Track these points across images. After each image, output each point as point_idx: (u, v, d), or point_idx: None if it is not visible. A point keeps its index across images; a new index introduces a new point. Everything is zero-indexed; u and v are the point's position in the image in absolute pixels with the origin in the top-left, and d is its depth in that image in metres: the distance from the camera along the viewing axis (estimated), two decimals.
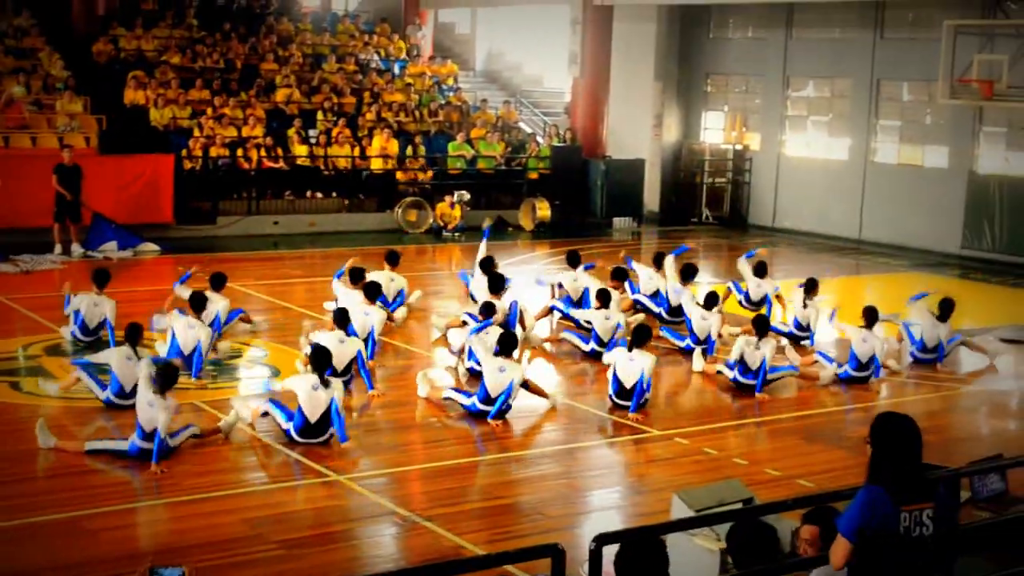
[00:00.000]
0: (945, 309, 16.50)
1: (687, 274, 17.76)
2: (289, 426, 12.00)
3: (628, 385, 13.53)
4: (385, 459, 11.93)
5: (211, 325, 15.11)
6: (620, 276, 18.08)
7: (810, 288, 17.31)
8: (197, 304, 14.71)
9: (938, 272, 24.05)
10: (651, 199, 30.85)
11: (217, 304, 15.70)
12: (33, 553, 9.30)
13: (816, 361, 15.78)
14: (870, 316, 15.51)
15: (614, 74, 31.00)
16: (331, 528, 10.08)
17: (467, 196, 27.44)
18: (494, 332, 14.07)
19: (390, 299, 17.35)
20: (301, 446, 11.85)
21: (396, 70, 33.20)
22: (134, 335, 12.97)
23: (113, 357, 12.82)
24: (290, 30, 33.59)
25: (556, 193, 28.80)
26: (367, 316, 15.28)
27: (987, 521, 8.94)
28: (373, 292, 15.62)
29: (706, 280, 22.16)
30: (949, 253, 25.81)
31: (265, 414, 12.39)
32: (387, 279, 17.45)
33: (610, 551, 5.88)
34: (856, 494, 6.18)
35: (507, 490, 11.20)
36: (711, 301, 16.54)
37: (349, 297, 15.94)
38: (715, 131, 31.94)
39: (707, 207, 31.10)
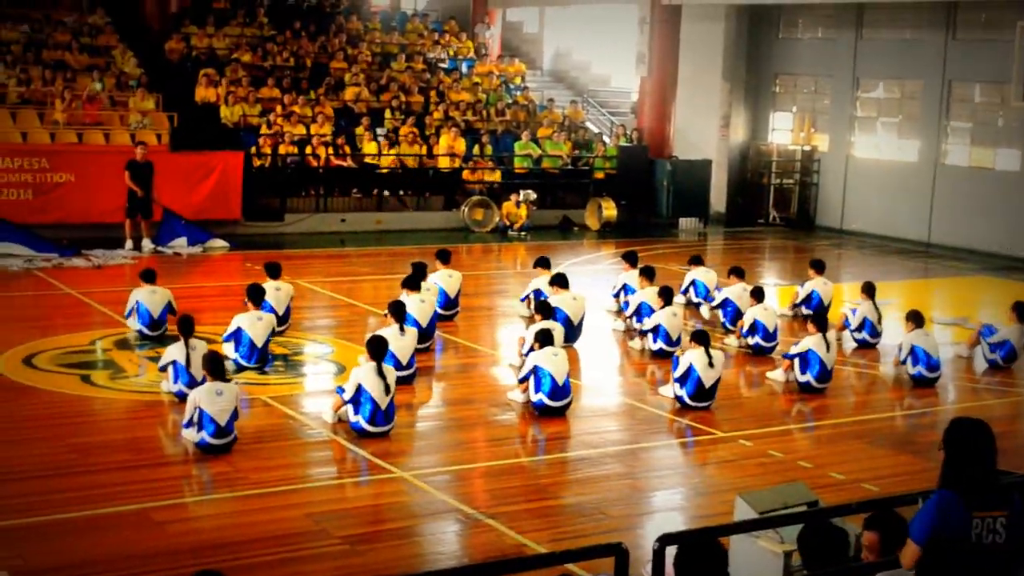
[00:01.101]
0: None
1: (739, 273, 17.87)
2: (358, 419, 12.09)
3: (708, 385, 13.53)
4: (449, 456, 11.97)
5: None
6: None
7: (870, 291, 17.27)
8: (256, 296, 14.86)
9: (1008, 277, 23.74)
10: (718, 200, 30.69)
11: (282, 290, 16.00)
12: (102, 544, 9.41)
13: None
14: (918, 318, 15.55)
15: (682, 74, 30.88)
16: (394, 524, 10.14)
17: (533, 195, 27.45)
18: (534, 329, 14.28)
19: (452, 296, 17.38)
20: (370, 440, 11.92)
21: (464, 69, 33.31)
22: (187, 327, 13.07)
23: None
24: (359, 29, 33.79)
25: (622, 193, 28.74)
26: (423, 304, 15.56)
27: None
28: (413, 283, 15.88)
29: (772, 281, 22.08)
30: (1020, 257, 25.44)
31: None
32: (445, 276, 17.45)
33: (673, 552, 5.88)
34: (928, 499, 6.12)
35: (570, 489, 11.19)
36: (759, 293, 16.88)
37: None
38: (783, 132, 31.71)
39: (774, 208, 30.90)
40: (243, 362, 14.31)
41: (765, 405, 14.54)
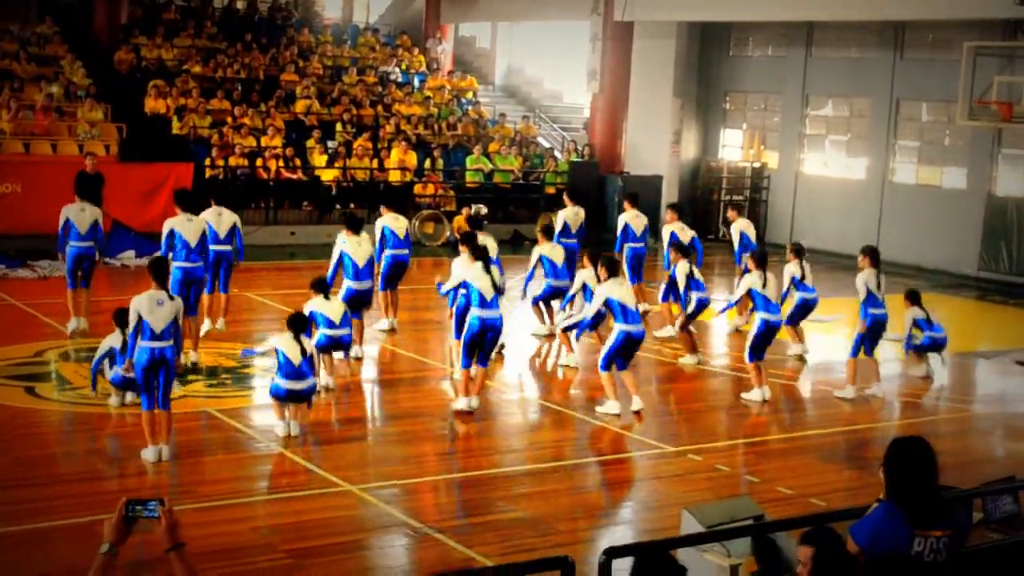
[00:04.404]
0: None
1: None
2: (278, 381, 12.37)
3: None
4: (397, 470, 11.91)
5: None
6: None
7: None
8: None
9: (955, 294, 23.98)
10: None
11: (224, 216, 16.28)
12: (44, 558, 9.32)
13: None
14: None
15: (633, 90, 31.02)
16: (341, 538, 10.07)
17: (484, 210, 27.45)
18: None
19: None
20: (317, 453, 11.87)
21: (416, 83, 33.31)
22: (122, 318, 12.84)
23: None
24: (311, 41, 33.73)
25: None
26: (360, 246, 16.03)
27: (998, 543, 8.90)
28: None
29: (720, 297, 22.16)
30: (966, 275, 25.75)
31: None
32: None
33: (619, 564, 5.89)
34: (873, 509, 6.17)
35: (518, 503, 11.17)
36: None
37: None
38: (733, 148, 31.94)
39: (724, 224, 31.05)
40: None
41: (713, 419, 14.61)
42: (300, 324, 12.81)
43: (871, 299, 15.25)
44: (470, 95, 34.20)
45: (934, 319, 16.67)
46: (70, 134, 25.18)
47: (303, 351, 12.45)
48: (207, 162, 25.95)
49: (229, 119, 27.64)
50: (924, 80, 27.04)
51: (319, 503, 10.93)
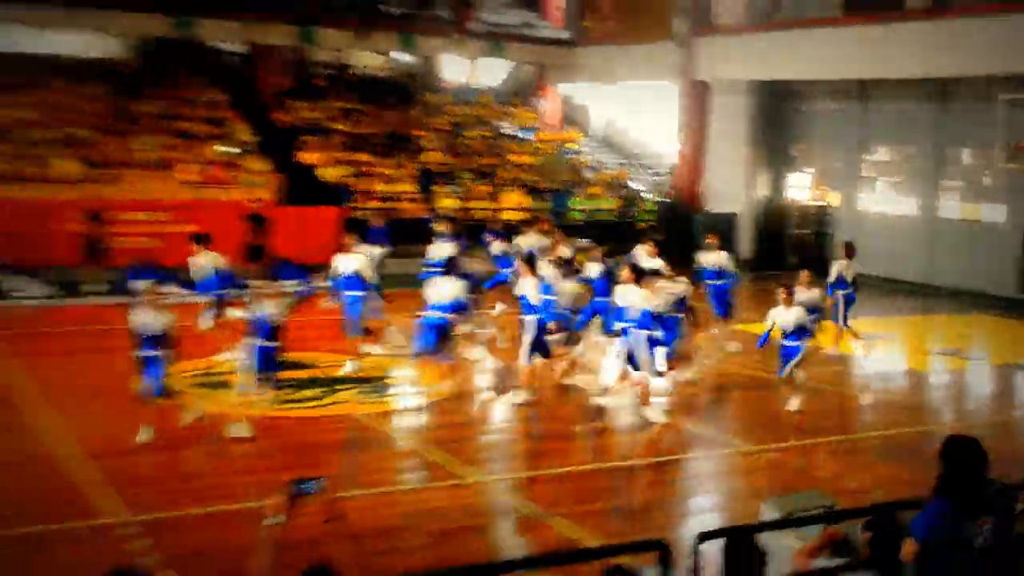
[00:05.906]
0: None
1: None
2: None
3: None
4: (515, 464, 12.05)
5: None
6: None
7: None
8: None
9: (996, 313, 23.51)
10: (744, 248, 30.62)
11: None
12: (208, 537, 9.60)
13: None
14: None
15: (712, 140, 30.96)
16: (471, 522, 10.21)
17: (587, 244, 27.50)
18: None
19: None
20: (448, 449, 12.02)
21: (527, 136, 33.52)
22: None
23: None
24: (437, 102, 34.13)
25: (663, 243, 28.70)
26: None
27: None
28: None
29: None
30: (1008, 297, 25.23)
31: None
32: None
33: (706, 548, 5.94)
34: (928, 504, 6.13)
35: (620, 494, 11.24)
36: None
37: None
38: (800, 189, 31.65)
39: (793, 255, 30.79)
40: None
41: (787, 420, 14.49)
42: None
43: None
44: (573, 145, 34.34)
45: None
46: (238, 183, 25.79)
47: None
48: (351, 204, 26.40)
49: (369, 168, 28.06)
50: (965, 128, 26.60)
51: (451, 493, 11.06)
